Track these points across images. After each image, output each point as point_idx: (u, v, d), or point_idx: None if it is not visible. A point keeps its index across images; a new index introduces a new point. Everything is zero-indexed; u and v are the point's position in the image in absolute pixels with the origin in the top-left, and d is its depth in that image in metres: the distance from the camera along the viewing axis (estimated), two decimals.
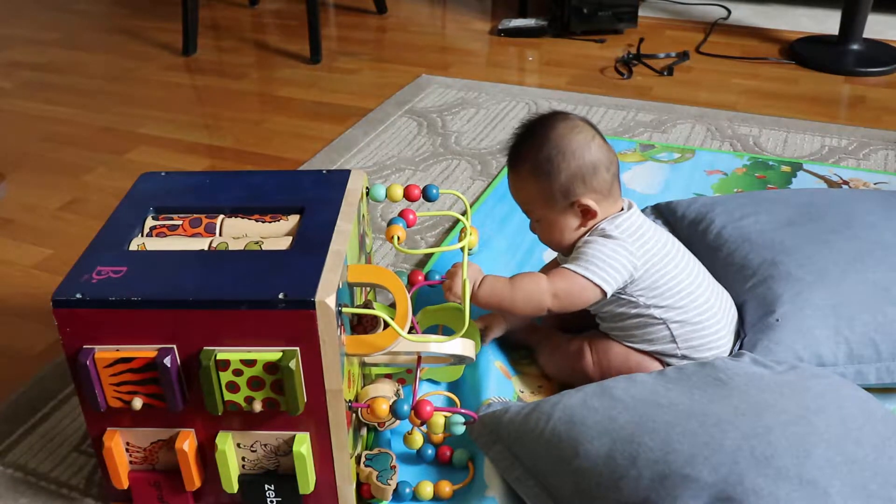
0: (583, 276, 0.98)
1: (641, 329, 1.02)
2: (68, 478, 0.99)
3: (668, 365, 1.01)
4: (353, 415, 0.92)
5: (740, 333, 1.05)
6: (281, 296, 0.78)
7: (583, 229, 1.03)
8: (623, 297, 1.00)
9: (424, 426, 0.96)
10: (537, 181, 1.01)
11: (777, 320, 1.03)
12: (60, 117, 2.04)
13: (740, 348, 1.03)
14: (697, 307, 1.00)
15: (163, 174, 1.04)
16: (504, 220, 1.44)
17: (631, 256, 0.98)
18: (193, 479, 0.87)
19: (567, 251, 1.05)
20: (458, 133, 1.83)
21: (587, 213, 1.01)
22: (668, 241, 1.03)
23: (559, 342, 1.09)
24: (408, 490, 0.92)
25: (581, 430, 0.86)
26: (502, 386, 1.05)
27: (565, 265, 1.00)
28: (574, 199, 1.00)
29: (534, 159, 1.01)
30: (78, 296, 0.80)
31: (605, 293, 0.98)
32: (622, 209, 1.04)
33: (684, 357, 1.01)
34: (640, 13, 2.48)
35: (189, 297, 0.79)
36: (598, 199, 1.01)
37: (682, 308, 1.00)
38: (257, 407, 0.82)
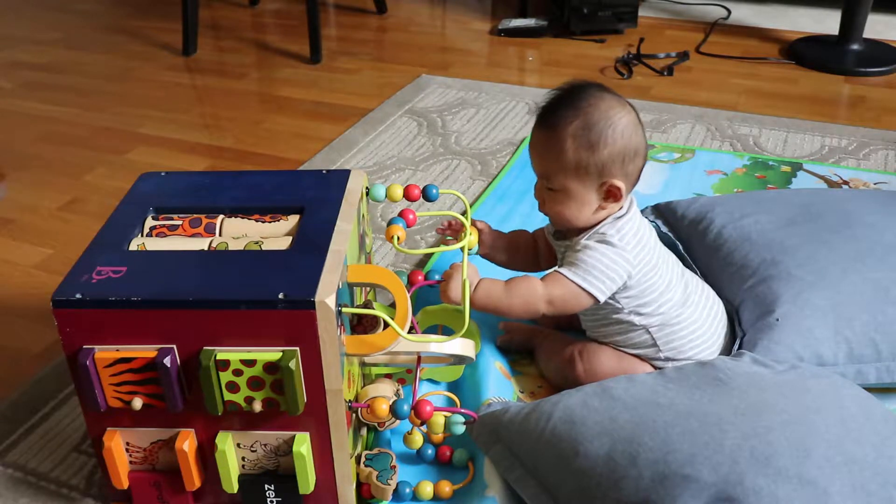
0: (577, 285, 0.97)
1: (623, 335, 1.02)
2: (68, 478, 0.99)
3: (657, 368, 1.01)
4: (353, 415, 0.92)
5: (736, 335, 1.05)
6: (281, 296, 0.78)
7: (601, 212, 0.98)
8: (609, 302, 1.00)
9: (424, 426, 0.96)
10: (577, 149, 0.95)
11: (777, 320, 1.02)
12: (60, 117, 2.04)
13: (739, 348, 1.03)
14: (674, 307, 1.00)
15: (163, 174, 1.04)
16: (504, 220, 1.43)
17: (628, 265, 0.97)
18: (193, 479, 0.87)
19: (571, 230, 1.02)
20: (458, 133, 1.83)
21: (610, 196, 0.97)
22: (657, 246, 1.02)
23: (555, 347, 1.09)
24: (408, 490, 0.92)
25: (581, 430, 0.86)
26: (502, 386, 1.05)
27: (561, 270, 0.99)
28: (607, 179, 0.96)
29: (580, 125, 0.94)
30: (78, 296, 0.80)
31: (597, 301, 0.98)
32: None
33: (668, 360, 1.01)
34: (640, 13, 2.48)
35: (189, 297, 0.79)
36: (627, 186, 0.97)
37: (662, 313, 1.00)
38: (257, 407, 0.82)
